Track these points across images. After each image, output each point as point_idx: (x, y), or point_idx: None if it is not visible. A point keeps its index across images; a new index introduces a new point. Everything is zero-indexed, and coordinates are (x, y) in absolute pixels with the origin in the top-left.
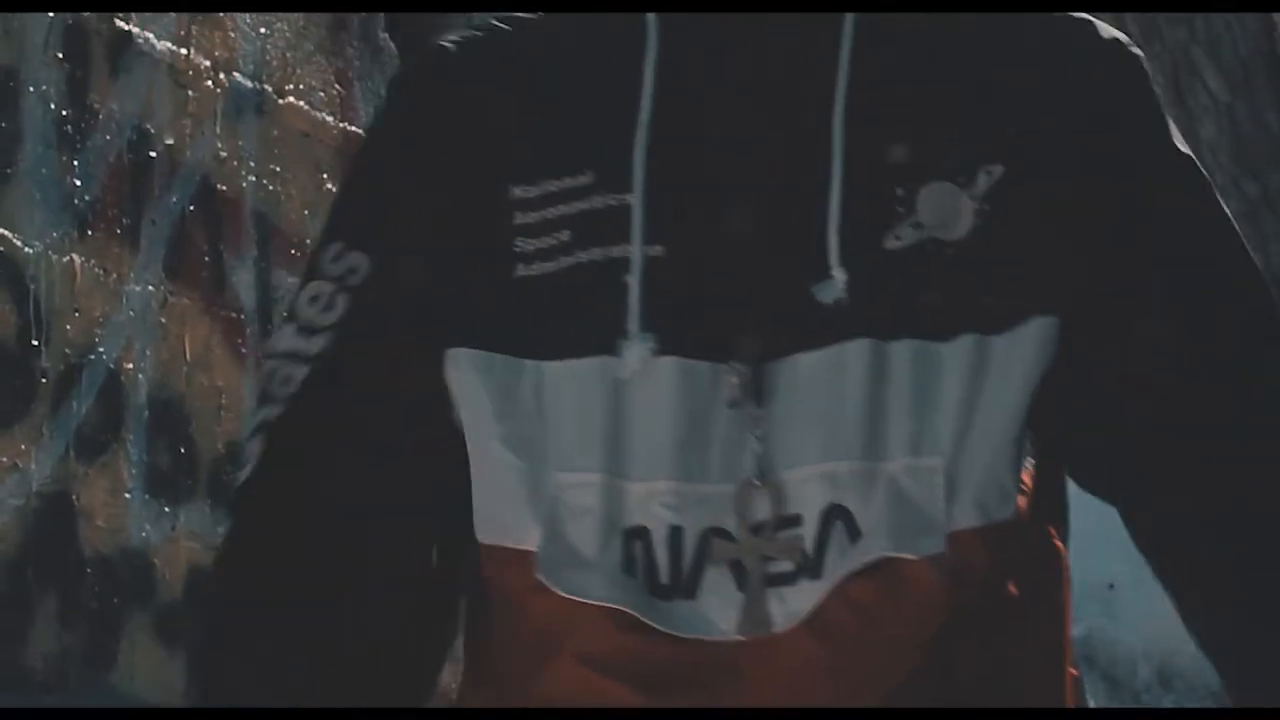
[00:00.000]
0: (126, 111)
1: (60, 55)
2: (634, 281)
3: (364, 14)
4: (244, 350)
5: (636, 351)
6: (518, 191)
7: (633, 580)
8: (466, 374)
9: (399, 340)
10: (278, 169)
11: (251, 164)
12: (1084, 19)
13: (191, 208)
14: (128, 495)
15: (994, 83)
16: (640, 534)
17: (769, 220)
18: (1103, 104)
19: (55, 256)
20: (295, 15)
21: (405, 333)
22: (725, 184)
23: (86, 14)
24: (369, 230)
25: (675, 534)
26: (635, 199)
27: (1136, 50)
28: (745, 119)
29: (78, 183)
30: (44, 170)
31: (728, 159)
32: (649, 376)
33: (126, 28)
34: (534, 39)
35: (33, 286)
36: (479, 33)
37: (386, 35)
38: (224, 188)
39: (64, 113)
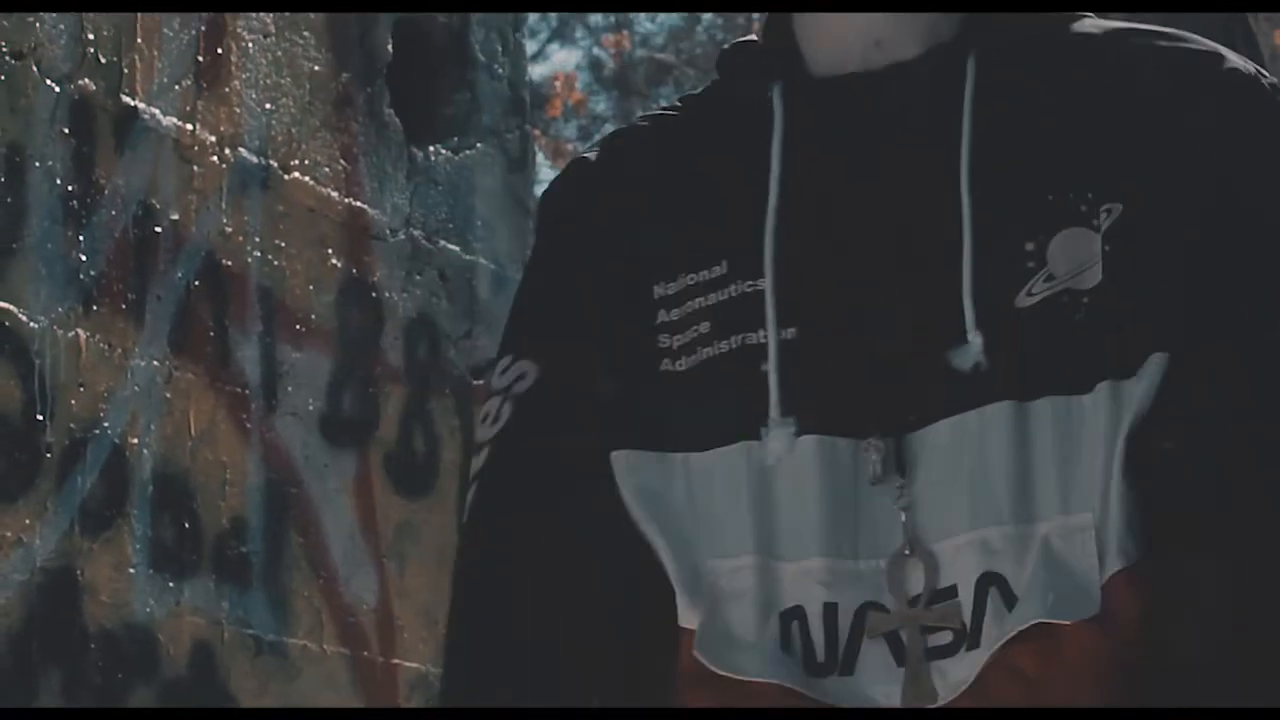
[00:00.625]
0: (132, 187)
1: (66, 131)
2: (771, 367)
3: (370, 90)
4: (248, 425)
5: (779, 436)
6: (659, 289)
7: (790, 659)
8: (621, 471)
9: (564, 442)
10: (283, 244)
11: (256, 239)
12: (1208, 52)
13: (196, 283)
14: (132, 570)
15: (1111, 121)
16: (796, 613)
17: (900, 291)
18: (1216, 139)
19: (60, 331)
20: (301, 91)
21: (570, 434)
22: (854, 259)
23: (93, 89)
24: (530, 340)
25: (830, 611)
26: (767, 284)
27: (1258, 77)
28: (871, 190)
29: (83, 258)
30: (49, 245)
31: (855, 233)
32: (793, 458)
33: (132, 103)
34: (664, 136)
35: (38, 361)
36: (615, 140)
37: (392, 111)
38: (229, 263)
39: (70, 188)
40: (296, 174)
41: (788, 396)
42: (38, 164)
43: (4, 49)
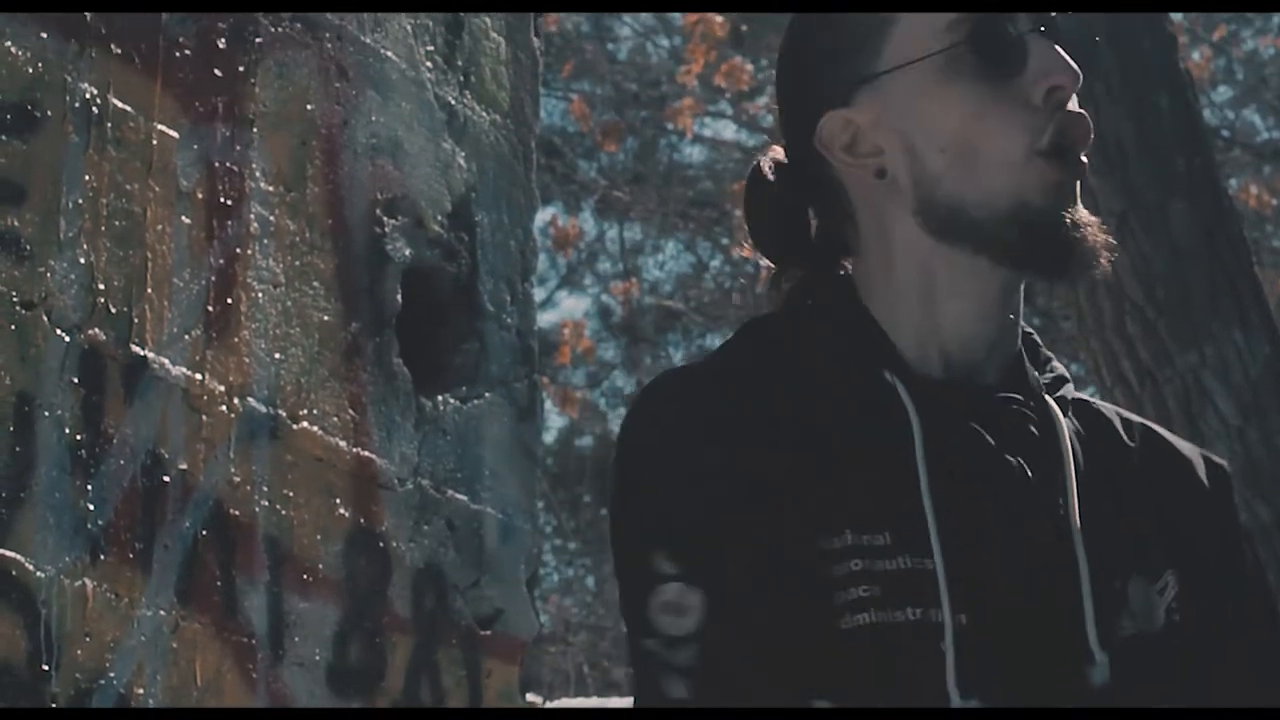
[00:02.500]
0: (140, 436)
1: (75, 380)
2: (948, 648)
3: (378, 339)
4: (255, 675)
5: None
6: (823, 542)
7: None
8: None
9: (758, 683)
10: (290, 494)
11: (264, 488)
12: (1221, 462)
13: (204, 532)
14: None
15: (1169, 499)
16: None
17: (1038, 596)
18: (1217, 517)
19: (67, 581)
20: (310, 341)
21: (759, 675)
22: (1001, 555)
23: (102, 339)
24: (695, 569)
25: None
26: (939, 568)
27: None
28: (999, 494)
29: (91, 507)
30: (57, 495)
31: (996, 529)
32: None
33: (142, 353)
34: (780, 392)
35: (44, 611)
36: (718, 363)
37: (400, 361)
38: (236, 512)
39: (78, 437)
40: (305, 423)
41: (963, 676)
42: (46, 413)
43: (14, 298)
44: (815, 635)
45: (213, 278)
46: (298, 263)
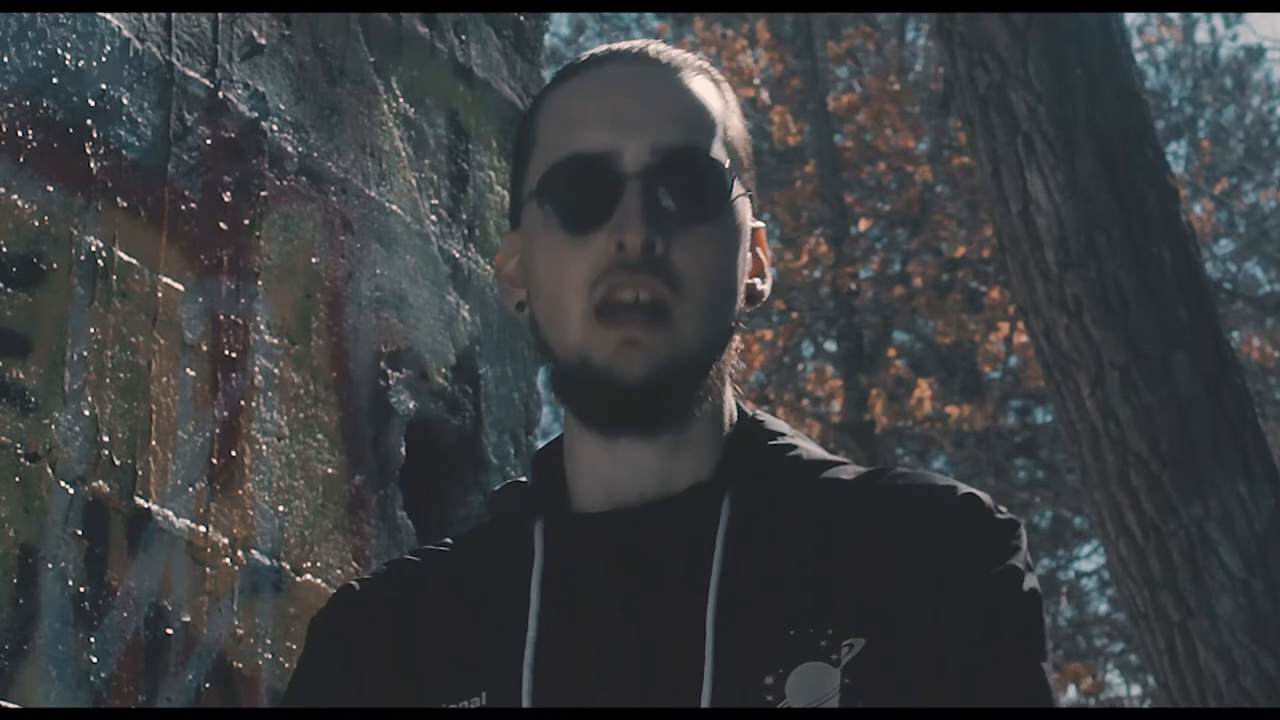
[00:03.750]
0: (144, 589)
1: (79, 533)
2: None
3: (383, 492)
4: None
5: None
6: None
7: None
8: None
9: None
10: (294, 646)
11: (268, 641)
12: (944, 486)
13: (207, 685)
14: None
15: (853, 559)
16: None
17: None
18: (947, 558)
19: None
20: (314, 493)
21: None
22: (605, 690)
23: (107, 491)
24: None
25: None
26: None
27: (985, 502)
28: (622, 625)
29: (94, 660)
30: (60, 647)
31: (606, 666)
32: None
33: (146, 505)
34: (429, 570)
35: None
36: (384, 571)
37: (405, 514)
38: (240, 665)
39: (82, 589)
40: (309, 576)
41: None
42: (50, 565)
43: (19, 450)
44: None
45: (217, 430)
46: (302, 415)
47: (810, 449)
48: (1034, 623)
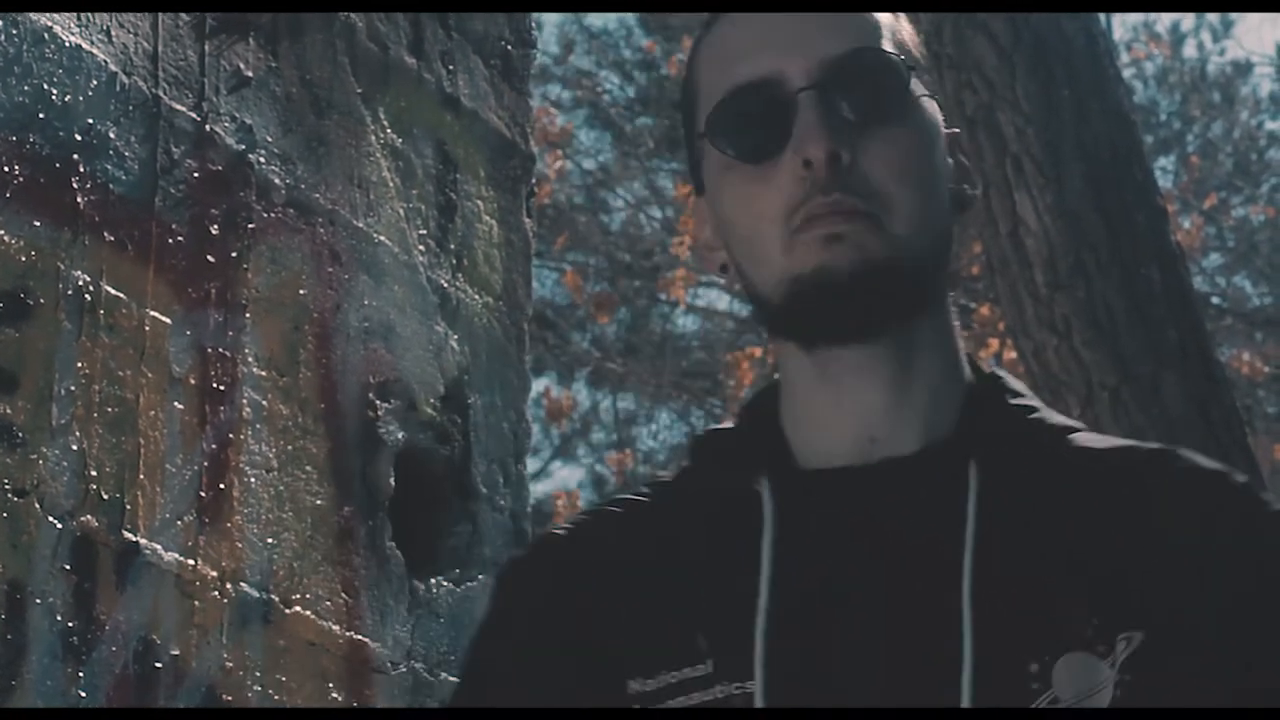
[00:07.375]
0: (133, 623)
1: (67, 567)
2: None
3: (371, 523)
4: None
5: None
6: (635, 685)
7: None
8: None
9: None
10: (283, 678)
11: (257, 674)
12: (1217, 470)
13: None
14: None
15: (1124, 544)
16: None
17: (894, 702)
18: (1233, 556)
19: None
20: (303, 525)
21: None
22: (847, 666)
23: (95, 525)
24: None
25: None
26: (757, 689)
27: (1262, 492)
28: (867, 594)
29: (82, 694)
30: (49, 682)
31: (849, 639)
32: None
33: (134, 539)
34: (638, 524)
35: None
36: (585, 521)
37: (394, 544)
38: (229, 698)
39: (70, 624)
40: (298, 608)
41: None
42: (38, 600)
43: (6, 485)
44: None
45: (205, 463)
46: (290, 447)
47: (1049, 412)
48: None
